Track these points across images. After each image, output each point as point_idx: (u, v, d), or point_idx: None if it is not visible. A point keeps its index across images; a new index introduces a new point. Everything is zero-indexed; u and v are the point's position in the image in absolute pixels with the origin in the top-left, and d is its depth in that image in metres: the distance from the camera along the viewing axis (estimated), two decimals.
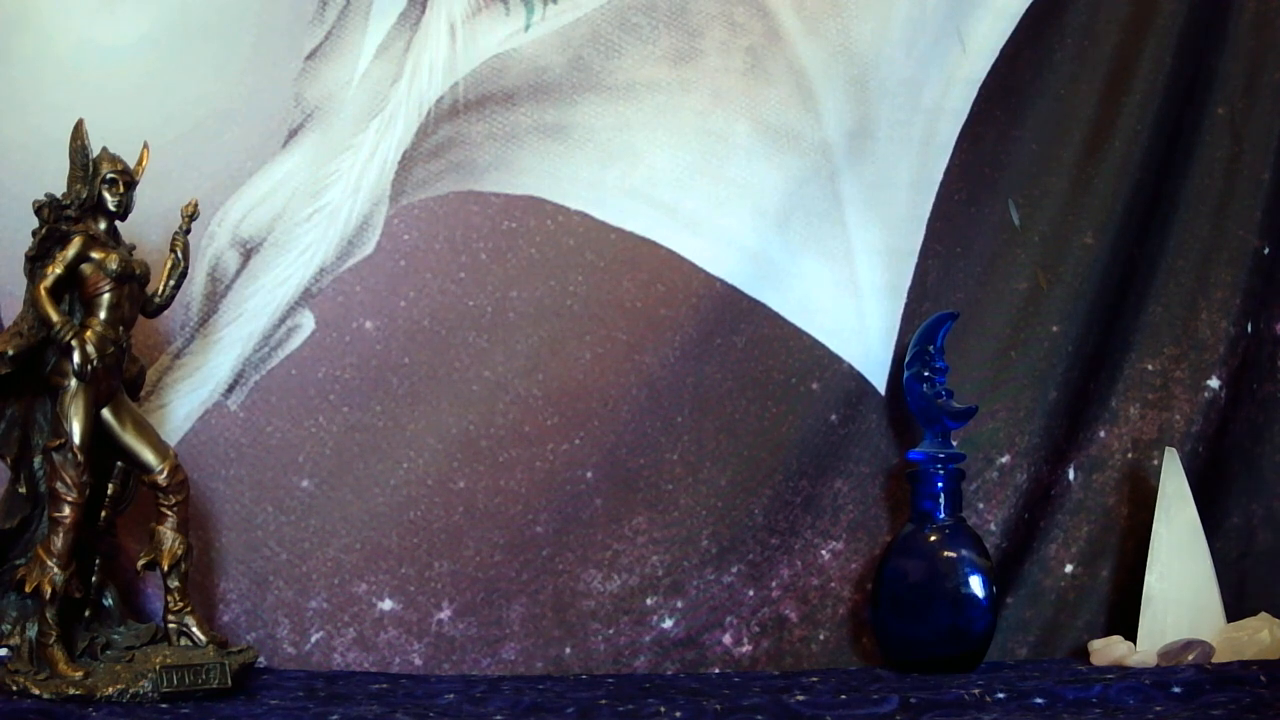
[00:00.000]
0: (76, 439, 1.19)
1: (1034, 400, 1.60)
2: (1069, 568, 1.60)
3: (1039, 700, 1.24)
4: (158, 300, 1.29)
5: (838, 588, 1.56)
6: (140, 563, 1.27)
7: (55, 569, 1.18)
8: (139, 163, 1.28)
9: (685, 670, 1.50)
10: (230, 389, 1.46)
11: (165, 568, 1.25)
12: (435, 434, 1.48)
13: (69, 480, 1.19)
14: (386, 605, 1.46)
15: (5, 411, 1.24)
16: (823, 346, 1.58)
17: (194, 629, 1.24)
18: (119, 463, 1.29)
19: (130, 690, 1.15)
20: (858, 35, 1.58)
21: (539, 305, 1.52)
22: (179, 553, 1.25)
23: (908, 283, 1.60)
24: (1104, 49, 1.64)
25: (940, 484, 1.50)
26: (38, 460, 1.24)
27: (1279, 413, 1.65)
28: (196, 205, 1.32)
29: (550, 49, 1.54)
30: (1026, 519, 1.60)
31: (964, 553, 1.48)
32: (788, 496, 1.54)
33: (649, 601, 1.51)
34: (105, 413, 1.24)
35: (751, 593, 1.53)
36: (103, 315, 1.23)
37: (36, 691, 1.14)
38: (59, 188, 1.23)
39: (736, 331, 1.55)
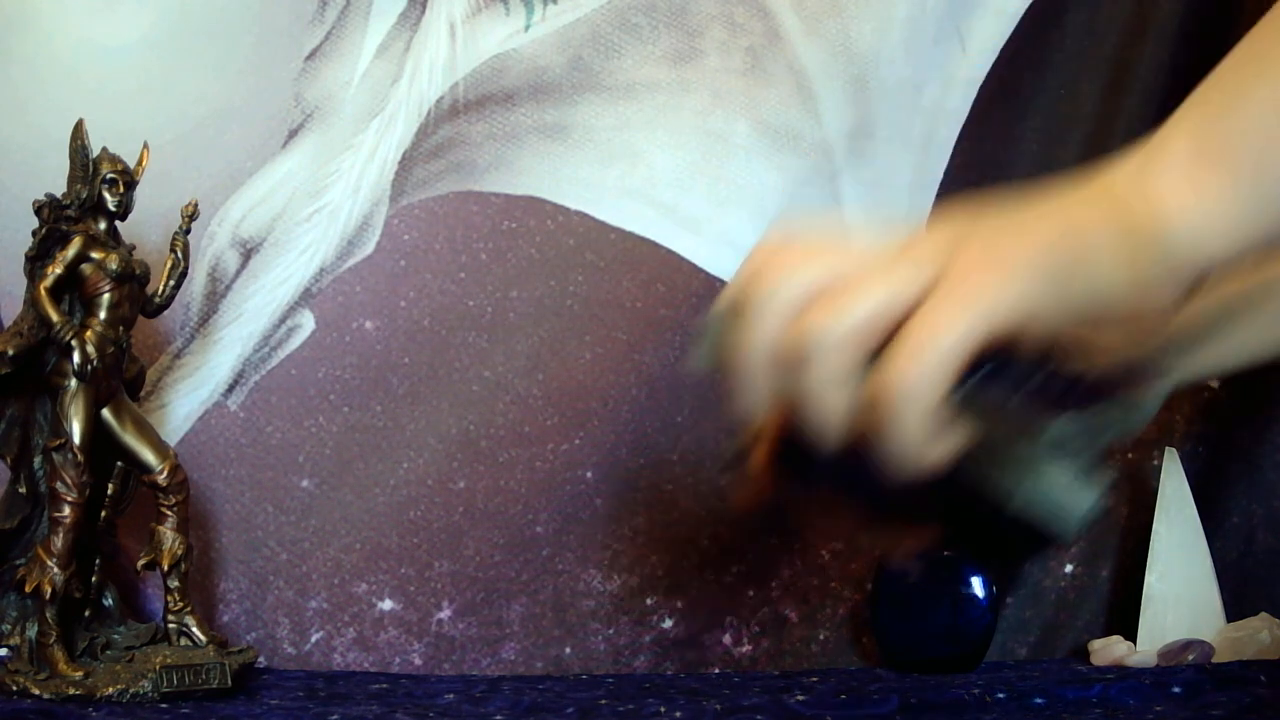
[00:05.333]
0: (77, 439, 1.19)
1: None
2: (1069, 568, 1.60)
3: (1039, 700, 1.24)
4: (158, 300, 1.29)
5: (838, 588, 1.56)
6: (140, 563, 1.26)
7: (55, 569, 1.18)
8: (139, 163, 1.28)
9: (685, 670, 1.50)
10: (230, 389, 1.46)
11: (165, 568, 1.25)
12: (435, 434, 1.48)
13: (69, 480, 1.19)
14: (386, 605, 1.46)
15: (5, 411, 1.24)
16: None
17: (194, 629, 1.24)
18: (119, 463, 1.28)
19: (130, 690, 1.15)
20: (858, 35, 1.58)
21: (539, 305, 1.52)
22: (179, 553, 1.25)
23: None
24: (1104, 49, 1.64)
25: None
26: (38, 460, 1.24)
27: (1279, 413, 1.65)
28: (196, 205, 1.32)
29: (550, 49, 1.54)
30: None
31: (964, 552, 1.48)
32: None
33: (649, 601, 1.51)
34: (105, 413, 1.24)
35: (751, 593, 1.53)
36: (103, 315, 1.22)
37: (36, 691, 1.14)
38: (59, 188, 1.23)
39: None
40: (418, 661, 1.45)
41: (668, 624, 1.51)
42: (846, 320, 0.63)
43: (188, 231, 1.31)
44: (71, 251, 1.21)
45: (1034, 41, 1.64)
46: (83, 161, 1.23)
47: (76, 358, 1.19)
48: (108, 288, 1.22)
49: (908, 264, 0.65)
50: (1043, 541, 0.65)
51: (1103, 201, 0.64)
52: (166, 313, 1.33)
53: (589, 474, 1.51)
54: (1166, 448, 1.56)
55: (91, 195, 1.23)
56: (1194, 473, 1.57)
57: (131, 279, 1.24)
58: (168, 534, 1.25)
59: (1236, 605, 1.53)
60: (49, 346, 1.21)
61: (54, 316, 1.19)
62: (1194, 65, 1.68)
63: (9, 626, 1.24)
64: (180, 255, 1.30)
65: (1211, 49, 1.78)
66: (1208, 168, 0.63)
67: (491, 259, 1.51)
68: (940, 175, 1.61)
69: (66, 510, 1.19)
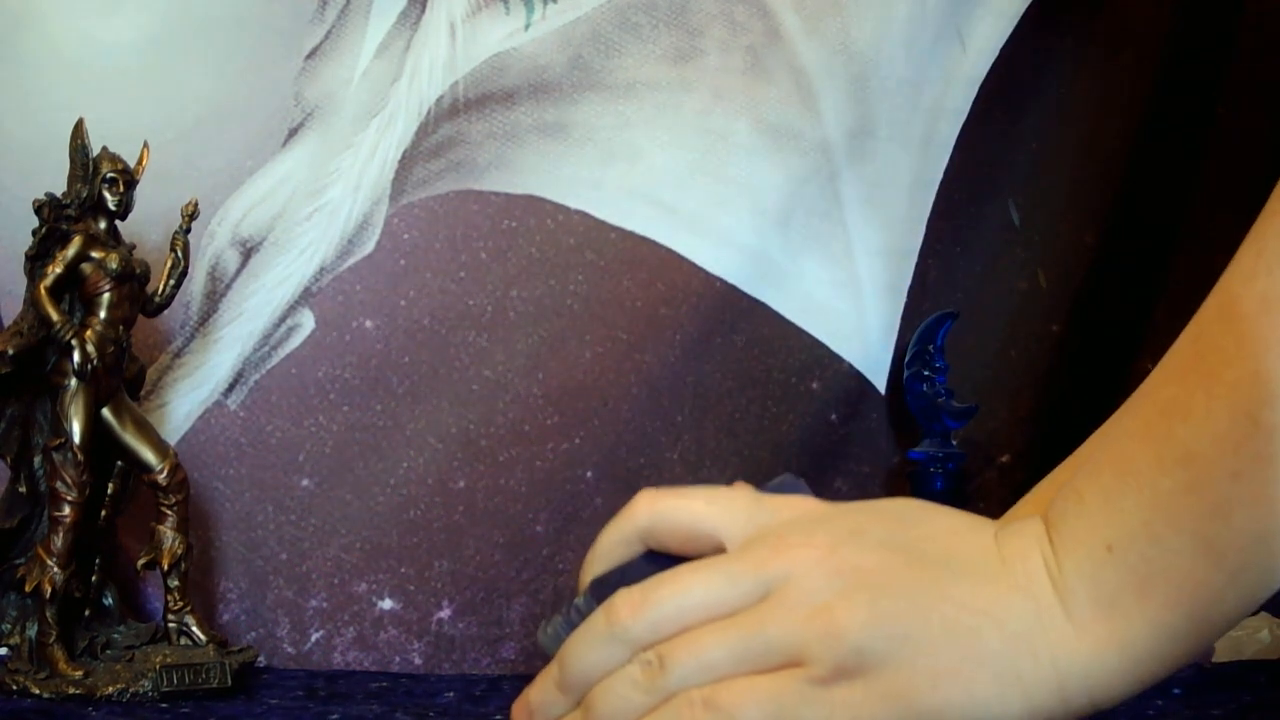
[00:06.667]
0: (77, 438, 1.19)
1: (1034, 400, 1.60)
2: None
3: None
4: (158, 300, 1.29)
5: None
6: (140, 562, 1.27)
7: (55, 568, 1.18)
8: (139, 162, 1.28)
9: None
10: (230, 388, 1.46)
11: (165, 567, 1.25)
12: (435, 433, 1.48)
13: (69, 479, 1.19)
14: (386, 604, 1.46)
15: (5, 411, 1.24)
16: (823, 346, 1.58)
17: (194, 628, 1.24)
18: (119, 462, 1.29)
19: (130, 689, 1.15)
20: (858, 34, 1.58)
21: (539, 304, 1.52)
22: (179, 552, 1.25)
23: (908, 282, 1.60)
24: (1104, 49, 1.64)
25: (940, 484, 1.49)
26: (38, 460, 1.24)
27: None
28: (196, 204, 1.32)
29: (550, 48, 1.54)
30: None
31: None
32: None
33: None
34: (105, 412, 1.24)
35: None
36: (103, 315, 1.22)
37: (36, 691, 1.14)
38: (59, 187, 1.23)
39: (736, 331, 1.55)
40: (418, 661, 1.45)
41: None
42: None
43: (188, 231, 1.31)
44: (71, 251, 1.21)
45: (1034, 41, 1.64)
46: (83, 161, 1.23)
47: (76, 357, 1.19)
48: (108, 287, 1.22)
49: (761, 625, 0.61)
50: None
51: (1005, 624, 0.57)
52: (166, 312, 1.33)
53: (589, 474, 1.51)
54: None
55: (91, 194, 1.23)
56: None
57: (131, 278, 1.24)
58: (168, 533, 1.25)
59: None
60: (49, 346, 1.21)
61: (54, 316, 1.19)
62: (1193, 65, 1.68)
63: (9, 626, 1.24)
64: (180, 254, 1.30)
65: (1211, 49, 1.79)
66: (1119, 615, 0.55)
67: (491, 258, 1.51)
68: (940, 174, 1.61)
69: (66, 509, 1.19)
